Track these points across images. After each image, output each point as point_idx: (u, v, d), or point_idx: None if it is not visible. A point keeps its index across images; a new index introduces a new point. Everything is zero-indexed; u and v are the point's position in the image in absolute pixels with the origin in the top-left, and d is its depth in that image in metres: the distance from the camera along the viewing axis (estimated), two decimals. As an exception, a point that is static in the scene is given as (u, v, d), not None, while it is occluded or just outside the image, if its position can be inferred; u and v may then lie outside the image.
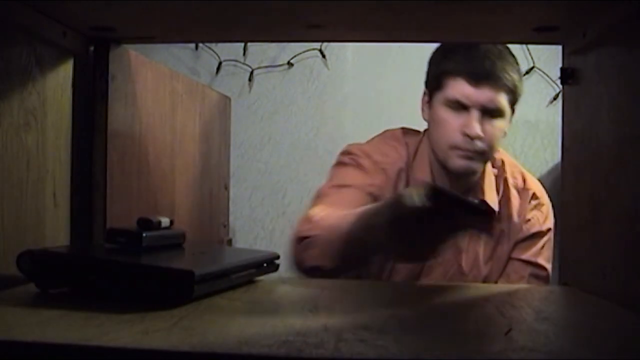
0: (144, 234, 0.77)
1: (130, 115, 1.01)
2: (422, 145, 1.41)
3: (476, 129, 1.26)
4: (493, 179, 1.39)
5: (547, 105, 1.94)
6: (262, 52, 2.03)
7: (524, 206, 1.38)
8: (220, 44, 2.00)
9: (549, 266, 1.37)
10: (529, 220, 1.37)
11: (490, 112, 1.28)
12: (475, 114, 1.27)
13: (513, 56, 1.34)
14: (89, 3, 0.80)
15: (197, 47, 2.05)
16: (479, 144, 1.28)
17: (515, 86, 1.30)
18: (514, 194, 1.39)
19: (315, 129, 2.05)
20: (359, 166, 1.35)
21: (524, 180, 1.41)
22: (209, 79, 2.03)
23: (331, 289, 0.84)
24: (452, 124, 1.30)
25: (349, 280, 1.01)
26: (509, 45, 1.35)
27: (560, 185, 0.96)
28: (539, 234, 1.37)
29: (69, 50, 0.90)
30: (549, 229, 1.38)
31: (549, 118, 1.93)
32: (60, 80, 0.89)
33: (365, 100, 2.04)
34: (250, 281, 0.83)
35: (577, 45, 0.88)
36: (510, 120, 1.36)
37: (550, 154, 1.93)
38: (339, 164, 1.39)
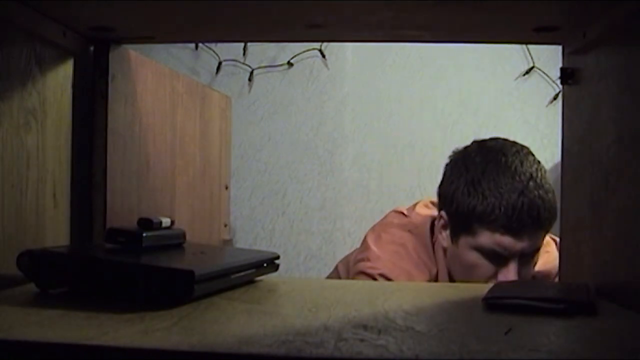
0: (144, 234, 0.77)
1: (130, 115, 1.01)
2: (441, 261, 1.26)
3: (511, 278, 1.13)
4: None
5: (547, 105, 1.94)
6: (262, 52, 2.03)
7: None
8: (220, 44, 2.01)
9: None
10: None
11: (526, 255, 1.15)
12: (514, 264, 1.14)
13: (552, 194, 1.17)
14: (89, 3, 0.80)
15: (197, 47, 2.05)
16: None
17: (550, 223, 1.16)
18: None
19: (315, 129, 2.05)
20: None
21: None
22: (209, 79, 2.03)
23: (331, 289, 0.84)
24: (485, 270, 1.16)
25: (348, 281, 1.01)
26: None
27: (560, 185, 0.96)
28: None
29: (69, 50, 0.90)
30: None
31: (548, 118, 1.93)
32: (60, 80, 0.89)
33: (365, 100, 2.04)
34: (250, 281, 0.83)
35: (577, 45, 0.88)
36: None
37: (550, 154, 1.93)
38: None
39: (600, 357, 0.53)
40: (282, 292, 0.80)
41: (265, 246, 2.04)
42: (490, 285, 0.77)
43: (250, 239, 2.03)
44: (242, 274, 0.79)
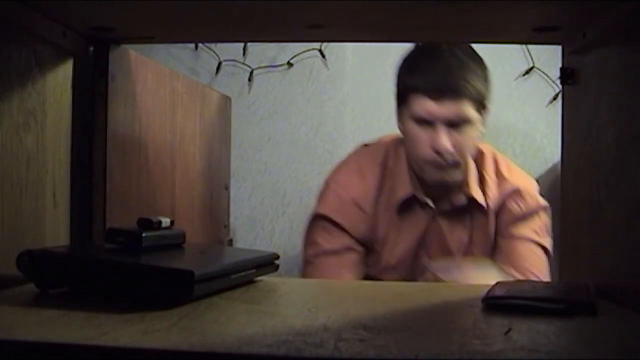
0: (143, 234, 0.77)
1: (130, 115, 1.01)
2: (402, 158, 1.42)
3: (444, 144, 1.28)
4: (475, 172, 1.41)
5: (547, 105, 1.94)
6: (262, 52, 2.03)
7: (501, 195, 1.39)
8: (220, 44, 2.00)
9: (545, 242, 1.38)
10: (510, 210, 1.39)
11: (457, 124, 1.28)
12: (441, 129, 1.28)
13: (478, 60, 1.34)
14: (88, 3, 0.80)
15: (196, 47, 2.05)
16: (450, 158, 1.30)
17: (479, 92, 1.30)
18: (490, 185, 1.41)
19: (314, 129, 2.05)
20: (335, 225, 1.38)
21: (501, 171, 1.42)
22: (208, 79, 2.03)
23: (331, 289, 0.84)
24: (422, 139, 1.31)
25: (348, 281, 1.01)
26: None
27: (560, 185, 0.96)
28: (528, 215, 1.39)
29: (68, 50, 0.90)
30: (539, 209, 1.39)
31: (548, 118, 1.93)
32: (59, 81, 0.89)
33: (365, 100, 2.04)
34: (250, 281, 0.83)
35: (577, 45, 0.88)
36: (484, 123, 1.37)
37: (550, 154, 1.93)
38: (312, 227, 1.42)
39: (600, 357, 0.53)
40: (282, 292, 0.80)
41: (265, 246, 2.04)
42: (490, 285, 0.77)
43: (250, 239, 2.03)
44: (242, 274, 0.79)
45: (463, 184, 1.39)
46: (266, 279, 0.86)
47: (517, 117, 1.97)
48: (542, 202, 1.42)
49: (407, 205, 1.39)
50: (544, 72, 1.93)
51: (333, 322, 0.62)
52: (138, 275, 0.69)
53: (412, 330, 0.59)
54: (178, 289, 0.67)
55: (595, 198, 0.82)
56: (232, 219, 1.82)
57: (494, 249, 1.41)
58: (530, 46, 1.88)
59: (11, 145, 0.79)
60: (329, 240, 1.39)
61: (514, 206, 1.40)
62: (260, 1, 0.77)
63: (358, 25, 0.90)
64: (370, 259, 1.42)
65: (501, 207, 1.40)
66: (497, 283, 0.78)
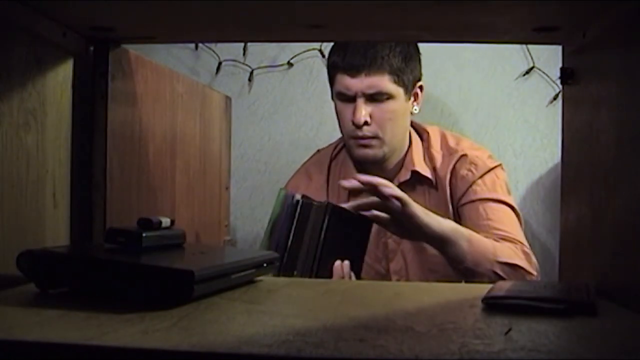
0: (143, 234, 0.77)
1: (130, 115, 1.01)
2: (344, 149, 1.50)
3: (359, 116, 1.34)
4: (421, 150, 1.46)
5: (547, 105, 1.94)
6: (262, 52, 2.03)
7: (450, 164, 1.42)
8: (220, 44, 2.00)
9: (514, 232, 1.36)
10: (463, 177, 1.41)
11: (375, 97, 1.35)
12: (359, 102, 1.35)
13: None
14: (88, 3, 0.80)
15: (197, 47, 2.05)
16: (367, 130, 1.36)
17: (397, 67, 1.35)
18: (437, 157, 1.44)
19: (315, 129, 2.05)
20: None
21: (447, 146, 1.46)
22: (208, 79, 2.03)
23: (331, 289, 0.84)
24: (344, 115, 1.40)
25: (349, 281, 1.01)
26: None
27: (560, 185, 0.96)
28: (482, 177, 1.41)
29: (68, 50, 0.90)
30: (493, 168, 1.42)
31: (548, 118, 1.93)
32: (60, 80, 0.89)
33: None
34: (250, 281, 0.83)
35: (577, 45, 0.88)
36: (416, 99, 1.44)
37: (550, 154, 1.93)
38: None
39: (600, 357, 0.53)
40: (282, 292, 0.80)
41: (265, 246, 2.04)
42: (490, 286, 0.77)
43: (250, 239, 2.03)
44: (242, 274, 0.79)
45: (408, 161, 1.44)
46: (266, 279, 0.86)
47: (517, 117, 1.96)
48: (495, 162, 1.45)
49: (356, 193, 1.40)
50: (544, 72, 1.93)
51: (333, 322, 0.62)
52: (138, 275, 0.69)
53: (412, 330, 0.59)
54: (178, 289, 0.67)
55: (595, 198, 0.82)
56: (232, 218, 1.82)
57: (459, 221, 1.40)
58: (530, 46, 1.88)
59: (11, 145, 0.79)
60: None
61: (465, 172, 1.41)
62: (260, 1, 0.77)
63: (358, 25, 0.90)
64: None
65: (454, 177, 1.43)
66: (497, 283, 0.78)
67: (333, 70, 1.41)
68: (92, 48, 0.94)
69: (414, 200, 1.30)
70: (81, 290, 0.73)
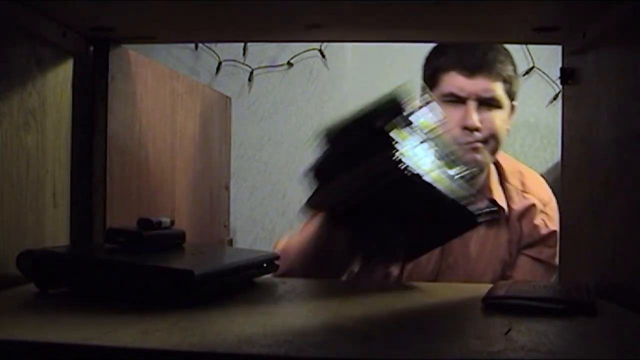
0: (143, 234, 0.77)
1: (130, 115, 1.01)
2: None
3: (473, 119, 1.25)
4: (497, 178, 1.36)
5: (547, 105, 1.94)
6: (262, 52, 2.03)
7: (524, 210, 1.33)
8: (219, 44, 2.00)
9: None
10: (536, 225, 1.33)
11: (488, 102, 1.27)
12: (471, 105, 1.26)
13: (507, 50, 1.33)
14: (88, 3, 0.80)
15: (197, 47, 2.05)
16: (479, 135, 1.26)
17: (509, 76, 1.29)
18: (512, 193, 1.36)
19: (315, 129, 2.04)
20: None
21: (523, 183, 1.37)
22: (208, 79, 2.03)
23: (331, 289, 0.84)
24: (451, 118, 1.26)
25: (349, 281, 1.01)
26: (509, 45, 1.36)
27: (560, 185, 0.96)
28: (548, 236, 1.32)
29: (68, 50, 0.90)
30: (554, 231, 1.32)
31: (548, 118, 1.93)
32: (60, 80, 0.89)
33: (365, 100, 2.03)
34: (250, 281, 0.83)
35: (577, 45, 0.88)
36: (511, 116, 1.34)
37: (550, 154, 1.93)
38: None
39: (600, 357, 0.53)
40: (282, 292, 0.80)
41: (265, 246, 2.04)
42: (490, 286, 0.77)
43: (250, 239, 2.03)
44: (242, 274, 0.79)
45: (484, 187, 1.33)
46: (266, 279, 0.86)
47: (517, 117, 1.96)
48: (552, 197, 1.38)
49: None
50: (544, 72, 1.93)
51: (334, 322, 0.62)
52: (138, 275, 0.69)
53: (412, 330, 0.59)
54: (178, 289, 0.68)
55: (595, 198, 0.82)
56: (232, 219, 1.82)
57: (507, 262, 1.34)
58: (530, 46, 1.88)
59: (11, 145, 0.79)
60: None
61: (540, 222, 1.33)
62: (261, 1, 0.77)
63: (358, 25, 0.90)
64: None
65: (525, 220, 1.34)
66: (497, 283, 0.78)
67: (440, 72, 1.32)
68: (92, 48, 0.94)
69: (483, 234, 1.28)
70: (81, 291, 0.73)
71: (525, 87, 1.96)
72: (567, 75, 0.93)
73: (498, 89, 1.27)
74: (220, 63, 2.04)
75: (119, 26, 0.90)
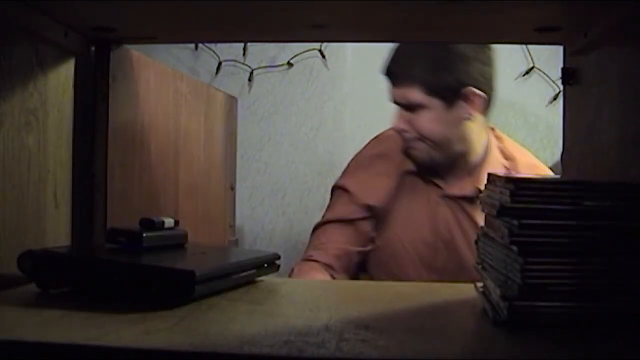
0: (144, 234, 0.77)
1: (132, 115, 1.01)
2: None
3: (396, 123, 1.40)
4: (498, 168, 1.41)
5: (547, 105, 1.94)
6: (262, 52, 2.03)
7: None
8: (220, 44, 2.00)
9: None
10: None
11: (409, 107, 1.37)
12: (398, 111, 1.40)
13: (446, 48, 1.40)
14: (90, 3, 0.80)
15: (197, 47, 2.05)
16: (408, 135, 1.39)
17: (426, 78, 1.35)
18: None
19: (315, 129, 2.05)
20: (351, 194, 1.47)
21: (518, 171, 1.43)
22: (208, 79, 2.03)
23: (332, 289, 0.84)
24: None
25: (349, 281, 1.01)
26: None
27: (561, 185, 0.96)
28: None
29: (70, 50, 0.90)
30: None
31: (548, 118, 1.93)
32: (61, 80, 0.89)
33: (365, 100, 2.03)
34: (251, 281, 0.83)
35: (578, 45, 0.88)
36: (467, 104, 1.38)
37: (550, 154, 1.93)
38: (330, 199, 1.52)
39: (600, 357, 0.53)
40: (283, 292, 0.80)
41: (265, 246, 2.04)
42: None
43: (250, 239, 2.03)
44: (243, 274, 0.79)
45: (474, 175, 1.40)
46: (267, 279, 0.86)
47: (517, 117, 1.97)
48: None
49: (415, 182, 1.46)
50: (544, 72, 1.93)
51: (334, 322, 0.62)
52: (139, 276, 0.69)
53: (413, 331, 0.59)
54: (179, 289, 0.67)
55: (596, 198, 0.82)
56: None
57: None
58: (530, 46, 1.88)
59: (13, 145, 0.79)
60: (344, 208, 1.46)
61: None
62: (261, 1, 0.77)
63: (359, 25, 0.90)
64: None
65: None
66: None
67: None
68: (93, 48, 0.94)
69: (466, 213, 1.40)
70: (82, 291, 0.73)
71: (525, 87, 1.96)
72: (568, 76, 0.93)
73: (414, 94, 1.35)
74: (220, 63, 2.04)
75: (120, 26, 0.90)
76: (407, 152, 1.43)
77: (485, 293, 0.70)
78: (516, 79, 1.96)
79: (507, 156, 1.45)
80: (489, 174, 0.70)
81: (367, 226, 1.44)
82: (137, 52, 1.02)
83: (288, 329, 0.59)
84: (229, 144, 1.47)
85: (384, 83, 2.02)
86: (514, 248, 0.60)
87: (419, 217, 1.43)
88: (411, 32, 0.93)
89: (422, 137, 1.37)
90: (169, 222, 0.81)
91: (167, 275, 0.68)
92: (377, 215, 1.44)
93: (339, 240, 1.42)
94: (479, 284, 0.74)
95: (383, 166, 1.48)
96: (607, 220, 0.59)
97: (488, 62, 1.43)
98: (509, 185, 0.61)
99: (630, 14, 0.72)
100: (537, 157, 1.96)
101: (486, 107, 1.43)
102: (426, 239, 1.41)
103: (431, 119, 1.36)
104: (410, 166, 1.44)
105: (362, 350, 0.53)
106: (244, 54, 2.04)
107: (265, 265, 0.84)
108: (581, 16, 0.81)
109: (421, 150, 1.39)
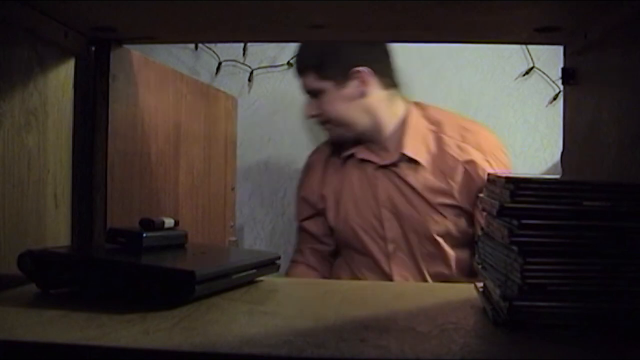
0: (144, 235, 0.77)
1: (132, 115, 1.01)
2: None
3: (306, 110, 1.60)
4: (423, 133, 1.54)
5: (547, 106, 1.94)
6: (262, 52, 2.03)
7: (465, 162, 1.49)
8: (220, 44, 2.00)
9: None
10: (478, 177, 1.48)
11: (312, 94, 1.55)
12: (307, 99, 1.58)
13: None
14: (90, 3, 0.80)
15: (197, 47, 2.05)
16: (318, 119, 1.58)
17: (317, 64, 1.50)
18: (450, 147, 1.52)
19: (314, 129, 2.04)
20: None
21: (463, 136, 1.53)
22: (208, 79, 2.03)
23: (332, 290, 0.84)
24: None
25: (349, 281, 1.01)
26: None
27: (561, 185, 0.96)
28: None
29: (70, 50, 0.90)
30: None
31: (548, 118, 1.93)
32: (61, 81, 0.89)
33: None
34: (251, 281, 0.83)
35: (578, 45, 0.88)
36: (360, 83, 1.52)
37: (550, 154, 1.93)
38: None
39: (600, 356, 0.53)
40: (283, 292, 0.80)
41: (265, 246, 2.04)
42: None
43: (250, 239, 2.03)
44: (243, 274, 0.79)
45: (397, 142, 1.53)
46: (267, 279, 0.86)
47: (517, 117, 1.97)
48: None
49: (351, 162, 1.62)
50: (544, 72, 1.93)
51: (334, 322, 0.62)
52: (139, 276, 0.69)
53: (413, 331, 0.59)
54: (179, 289, 0.68)
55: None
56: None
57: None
58: (530, 46, 1.88)
59: (13, 145, 0.79)
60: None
61: (481, 172, 1.48)
62: (261, 1, 0.77)
63: (359, 25, 0.90)
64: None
65: (466, 171, 1.50)
66: None
67: None
68: (93, 48, 0.94)
69: (392, 178, 1.54)
70: (82, 291, 0.73)
71: (525, 87, 1.96)
72: (568, 76, 0.93)
73: (309, 81, 1.54)
74: (220, 63, 2.04)
75: (119, 26, 0.90)
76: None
77: (485, 293, 0.71)
78: (516, 79, 1.96)
79: (432, 121, 1.56)
80: (489, 174, 0.70)
81: (320, 221, 1.63)
82: (137, 52, 1.02)
83: (288, 329, 0.59)
84: (229, 144, 1.47)
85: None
86: (514, 248, 0.60)
87: (362, 194, 1.57)
88: (411, 32, 0.93)
89: (328, 119, 1.55)
90: (169, 222, 0.81)
91: (167, 275, 0.68)
92: (325, 207, 1.62)
93: (306, 240, 1.66)
94: (479, 284, 0.74)
95: (316, 161, 1.68)
96: (607, 220, 0.59)
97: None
98: (509, 185, 0.61)
99: (630, 15, 0.72)
100: (537, 157, 1.97)
101: (390, 82, 1.58)
102: (374, 211, 1.54)
103: (328, 101, 1.53)
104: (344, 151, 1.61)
105: (362, 350, 0.53)
106: (244, 54, 2.04)
107: (265, 265, 0.84)
108: (581, 16, 0.81)
109: (331, 130, 1.58)
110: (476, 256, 0.76)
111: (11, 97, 0.78)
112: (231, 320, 0.63)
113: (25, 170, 0.81)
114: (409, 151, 1.51)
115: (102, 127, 0.94)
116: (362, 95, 1.53)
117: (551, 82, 1.91)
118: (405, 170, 1.52)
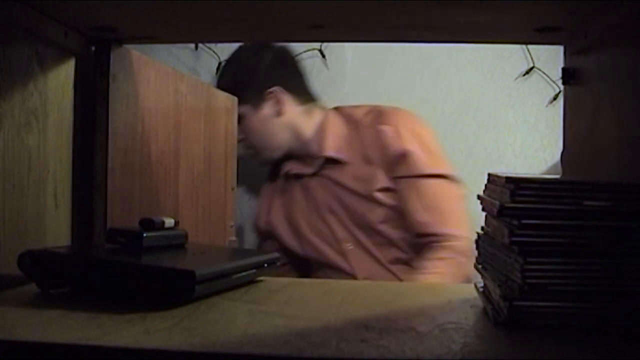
0: (144, 234, 0.77)
1: (132, 115, 1.01)
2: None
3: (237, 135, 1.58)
4: (341, 131, 1.61)
5: (547, 106, 1.94)
6: (262, 52, 2.03)
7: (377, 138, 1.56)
8: (220, 44, 2.00)
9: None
10: (387, 146, 1.54)
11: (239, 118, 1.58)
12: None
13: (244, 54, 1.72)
14: (90, 3, 0.80)
15: (197, 47, 2.05)
16: (242, 144, 1.62)
17: (232, 90, 1.48)
18: (363, 132, 1.59)
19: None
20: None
21: (378, 117, 1.59)
22: (209, 79, 2.03)
23: (332, 290, 0.84)
24: None
25: (350, 281, 1.01)
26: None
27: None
28: (402, 156, 1.54)
29: (70, 50, 0.90)
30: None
31: (548, 118, 1.93)
32: (61, 80, 0.89)
33: (365, 100, 2.03)
34: (251, 281, 0.83)
35: (578, 45, 0.88)
36: (277, 106, 1.64)
37: (550, 154, 1.93)
38: None
39: (600, 356, 0.53)
40: (283, 292, 0.80)
41: (265, 246, 2.03)
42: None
43: (251, 239, 2.03)
44: (243, 274, 0.79)
45: (321, 147, 1.61)
46: (267, 279, 0.86)
47: (517, 117, 1.97)
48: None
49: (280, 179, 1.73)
50: (544, 72, 1.93)
51: (335, 322, 0.62)
52: (139, 276, 0.69)
53: (413, 331, 0.59)
54: (179, 289, 0.68)
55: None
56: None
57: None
58: (530, 46, 1.88)
59: (13, 145, 0.79)
60: None
61: (389, 141, 1.54)
62: (261, 1, 0.77)
63: (359, 25, 0.90)
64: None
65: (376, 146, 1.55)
66: None
67: None
68: (93, 48, 0.94)
69: (322, 183, 1.62)
70: (82, 291, 0.73)
71: (525, 87, 1.96)
72: (568, 76, 0.93)
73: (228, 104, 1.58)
74: (220, 63, 2.04)
75: (120, 26, 0.90)
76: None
77: (485, 293, 0.71)
78: (516, 79, 1.96)
79: (349, 118, 1.63)
80: (489, 174, 0.70)
81: (274, 245, 1.71)
82: (137, 52, 1.02)
83: (288, 329, 0.59)
84: (229, 145, 1.47)
85: (384, 83, 2.03)
86: (514, 248, 0.60)
87: (307, 206, 1.64)
88: (411, 32, 0.93)
89: (252, 144, 1.66)
90: (169, 222, 0.81)
91: (167, 275, 0.68)
92: (276, 232, 1.71)
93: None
94: (479, 284, 0.74)
95: (264, 189, 1.79)
96: (607, 220, 0.59)
97: (281, 62, 1.70)
98: (509, 185, 0.61)
99: (631, 15, 0.72)
100: (537, 157, 1.97)
101: (304, 97, 1.68)
102: (321, 218, 1.61)
103: (248, 125, 1.63)
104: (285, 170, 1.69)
105: (362, 350, 0.53)
106: (244, 54, 2.03)
107: (265, 265, 0.84)
108: (581, 16, 0.81)
109: (256, 155, 1.69)
110: (476, 256, 0.76)
111: (11, 97, 0.78)
112: (231, 320, 0.63)
113: (25, 170, 0.81)
114: (330, 152, 1.59)
115: (102, 127, 0.94)
116: (279, 113, 1.64)
117: (551, 82, 1.91)
118: (333, 172, 1.60)
